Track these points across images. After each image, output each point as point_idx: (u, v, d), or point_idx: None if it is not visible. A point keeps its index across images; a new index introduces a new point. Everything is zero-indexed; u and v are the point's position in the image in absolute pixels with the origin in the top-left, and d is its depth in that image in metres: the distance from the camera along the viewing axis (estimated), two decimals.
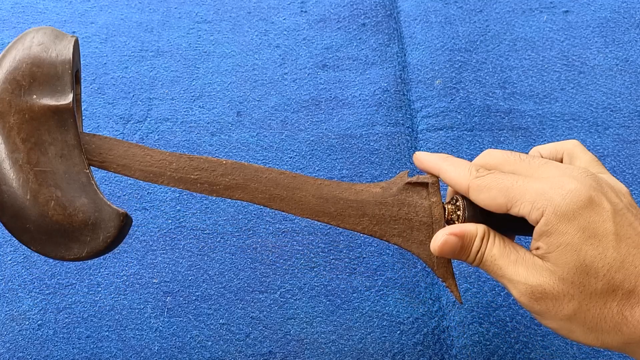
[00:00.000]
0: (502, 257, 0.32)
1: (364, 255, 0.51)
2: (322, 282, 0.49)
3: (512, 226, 0.34)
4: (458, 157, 0.56)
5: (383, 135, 0.58)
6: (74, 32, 0.69)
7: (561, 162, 0.36)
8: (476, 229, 0.33)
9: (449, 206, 0.36)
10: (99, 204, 0.34)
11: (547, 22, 0.67)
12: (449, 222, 0.36)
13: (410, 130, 0.59)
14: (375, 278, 0.49)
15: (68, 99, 0.35)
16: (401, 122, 0.60)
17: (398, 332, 0.47)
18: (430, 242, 0.35)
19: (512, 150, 0.56)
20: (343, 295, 0.49)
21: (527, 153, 0.35)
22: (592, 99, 0.60)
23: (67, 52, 0.37)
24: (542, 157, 0.36)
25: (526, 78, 0.62)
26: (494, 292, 0.48)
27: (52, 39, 0.37)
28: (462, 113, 0.59)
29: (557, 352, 0.45)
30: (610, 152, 0.56)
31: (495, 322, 0.46)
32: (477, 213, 0.34)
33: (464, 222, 0.34)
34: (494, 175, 0.32)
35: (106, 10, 0.72)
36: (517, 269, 0.31)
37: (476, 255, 0.33)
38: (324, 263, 0.50)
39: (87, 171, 0.34)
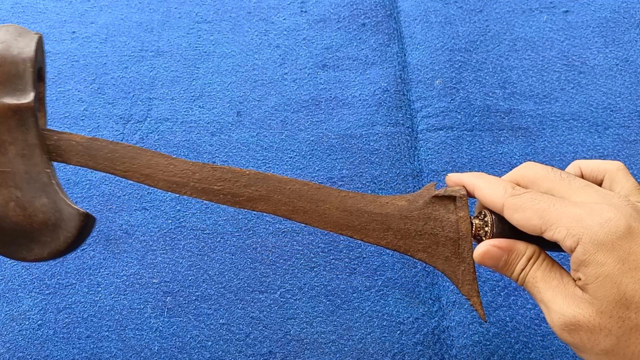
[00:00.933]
0: (544, 280, 0.31)
1: (364, 255, 0.51)
2: (322, 282, 0.49)
3: (546, 247, 0.33)
4: (458, 157, 0.56)
5: (383, 135, 0.58)
6: (74, 32, 0.69)
7: (601, 183, 0.34)
8: (525, 248, 0.32)
9: (477, 221, 0.34)
10: (59, 204, 0.34)
11: (547, 22, 0.67)
12: (476, 237, 0.35)
13: (410, 130, 0.59)
14: (375, 278, 0.49)
15: (29, 97, 0.34)
16: (401, 122, 0.60)
17: (398, 332, 0.47)
18: (455, 258, 0.35)
19: (512, 150, 0.56)
20: (343, 295, 0.49)
21: (563, 169, 0.34)
22: (592, 99, 0.60)
23: (29, 50, 0.36)
24: (582, 173, 0.35)
25: (526, 78, 0.62)
26: (494, 292, 0.48)
27: (15, 36, 0.36)
28: (462, 113, 0.59)
29: (557, 352, 0.45)
30: (610, 152, 0.56)
31: (495, 322, 0.46)
32: (506, 230, 0.33)
33: (491, 239, 0.33)
34: (530, 195, 0.31)
35: (106, 10, 0.72)
36: (556, 296, 0.30)
37: (519, 274, 0.32)
38: (324, 263, 0.50)
39: (49, 171, 0.34)
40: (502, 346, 0.45)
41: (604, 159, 0.55)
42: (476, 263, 0.34)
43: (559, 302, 0.29)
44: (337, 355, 0.46)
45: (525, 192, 0.32)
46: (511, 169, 0.55)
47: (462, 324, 0.46)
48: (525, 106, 0.60)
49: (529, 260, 0.32)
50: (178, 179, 0.36)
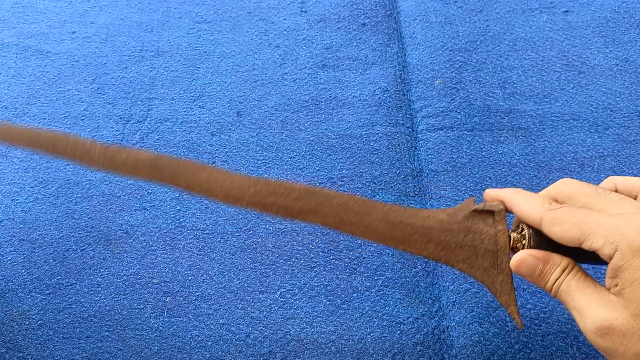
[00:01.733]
0: (578, 288, 0.32)
1: (364, 255, 0.51)
2: (322, 282, 0.49)
3: (582, 260, 0.34)
4: (458, 157, 0.56)
5: (383, 135, 0.58)
6: (74, 32, 0.69)
7: (636, 198, 0.35)
8: (561, 260, 0.33)
9: (515, 235, 0.36)
10: None
11: (547, 22, 0.67)
12: (514, 250, 0.36)
13: (410, 130, 0.59)
14: (375, 278, 0.49)
15: None
16: (401, 122, 0.60)
17: (398, 332, 0.47)
18: (494, 269, 0.36)
19: (512, 150, 0.56)
20: (343, 295, 0.49)
21: (595, 183, 0.35)
22: (592, 99, 0.60)
23: None
24: (617, 189, 0.36)
25: (526, 78, 0.62)
26: None
27: None
28: (462, 113, 0.59)
29: (557, 352, 0.45)
30: (610, 152, 0.56)
31: (495, 322, 0.46)
32: (542, 243, 0.35)
33: (529, 249, 0.35)
34: (567, 209, 0.33)
35: (106, 10, 0.72)
36: (590, 302, 0.31)
37: (553, 284, 0.33)
38: (324, 263, 0.50)
39: None
40: (502, 346, 0.45)
41: (603, 159, 0.55)
42: (513, 272, 0.35)
43: (593, 307, 0.31)
44: (337, 355, 0.46)
45: (562, 207, 0.33)
46: (511, 169, 0.55)
47: (462, 324, 0.46)
48: (525, 106, 0.60)
49: (563, 271, 0.33)
50: (235, 193, 0.39)
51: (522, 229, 0.36)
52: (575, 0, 0.69)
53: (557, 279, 0.33)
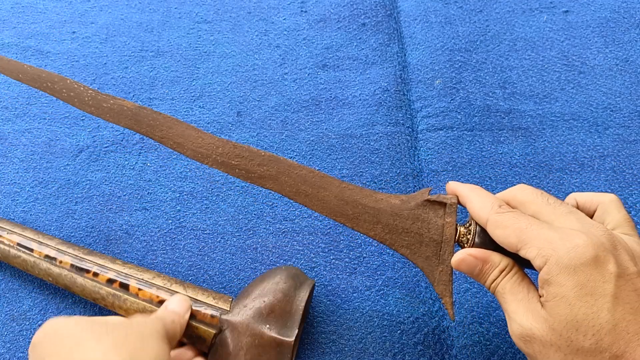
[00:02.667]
0: (511, 292, 0.33)
1: (364, 255, 0.51)
2: (322, 282, 0.49)
3: (522, 264, 0.35)
4: (458, 157, 0.56)
5: (383, 135, 0.58)
6: (74, 32, 0.69)
7: (593, 214, 0.36)
8: (500, 261, 0.34)
9: (462, 229, 0.37)
10: None
11: (547, 22, 0.67)
12: (459, 243, 0.37)
13: (410, 130, 0.59)
14: (376, 278, 0.49)
15: (292, 336, 0.40)
16: (401, 122, 0.60)
17: (398, 331, 0.47)
18: (435, 258, 0.37)
19: (512, 150, 0.56)
20: (343, 295, 0.49)
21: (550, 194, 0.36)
22: (592, 99, 0.60)
23: (304, 294, 0.42)
24: (577, 204, 0.37)
25: (526, 78, 0.62)
26: None
27: (297, 279, 0.43)
28: (462, 113, 0.59)
29: None
30: (610, 152, 0.56)
31: (495, 322, 0.46)
32: (487, 241, 0.35)
33: (471, 247, 0.36)
34: (513, 215, 0.33)
35: (106, 10, 0.72)
36: (518, 307, 0.32)
37: (491, 283, 0.34)
38: (324, 263, 0.50)
39: None
40: (502, 346, 0.45)
41: (603, 159, 0.55)
42: (453, 268, 0.36)
43: (520, 313, 0.32)
44: (337, 355, 0.46)
45: (510, 211, 0.34)
46: (511, 169, 0.55)
47: (462, 324, 0.46)
48: (525, 106, 0.60)
49: (501, 272, 0.34)
50: (204, 150, 0.41)
51: (471, 225, 0.37)
52: (575, 0, 0.69)
53: (494, 280, 0.34)
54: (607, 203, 0.35)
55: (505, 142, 0.57)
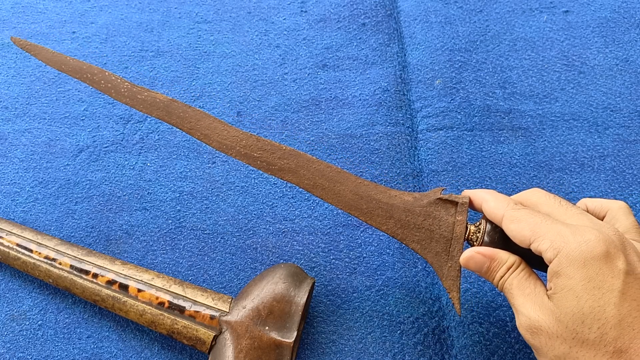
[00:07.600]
0: (519, 287, 0.34)
1: (364, 255, 0.51)
2: (322, 282, 0.49)
3: (532, 265, 0.36)
4: (458, 157, 0.56)
5: (383, 135, 0.58)
6: (74, 32, 0.69)
7: (602, 219, 0.37)
8: (507, 258, 0.35)
9: (472, 227, 0.38)
10: None
11: (547, 22, 0.67)
12: (468, 241, 0.38)
13: (410, 130, 0.59)
14: (376, 278, 0.49)
15: (291, 337, 0.41)
16: (401, 122, 0.60)
17: (398, 331, 0.47)
18: (445, 254, 0.38)
19: (512, 150, 0.56)
20: (343, 295, 0.49)
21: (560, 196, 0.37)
22: (592, 99, 0.60)
23: (303, 294, 0.43)
24: (587, 209, 0.38)
25: (526, 78, 0.62)
26: (494, 292, 0.48)
27: (296, 278, 0.44)
28: (462, 113, 0.59)
29: None
30: (610, 152, 0.56)
31: (495, 322, 0.46)
32: (496, 240, 0.37)
33: (480, 245, 0.37)
34: (528, 211, 0.35)
35: (106, 10, 0.72)
36: (526, 301, 0.33)
37: (499, 281, 0.35)
38: (324, 263, 0.50)
39: None
40: (502, 346, 0.45)
41: (603, 159, 0.55)
42: (462, 266, 0.37)
43: (527, 306, 0.33)
44: (337, 355, 0.46)
45: (524, 208, 0.35)
46: (511, 169, 0.55)
47: (462, 324, 0.46)
48: (525, 106, 0.60)
49: (508, 269, 0.35)
50: (229, 142, 0.43)
51: (480, 224, 0.38)
52: (575, 0, 0.69)
53: (502, 277, 0.35)
54: (616, 209, 0.36)
55: (505, 142, 0.57)
